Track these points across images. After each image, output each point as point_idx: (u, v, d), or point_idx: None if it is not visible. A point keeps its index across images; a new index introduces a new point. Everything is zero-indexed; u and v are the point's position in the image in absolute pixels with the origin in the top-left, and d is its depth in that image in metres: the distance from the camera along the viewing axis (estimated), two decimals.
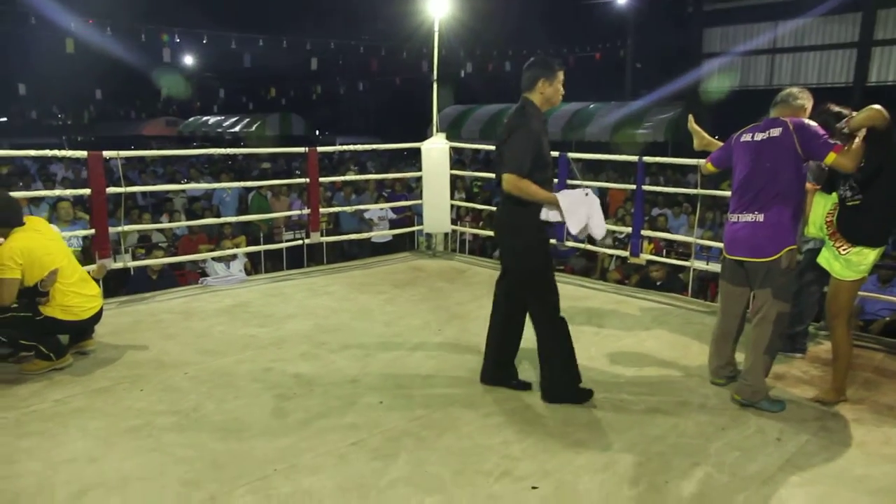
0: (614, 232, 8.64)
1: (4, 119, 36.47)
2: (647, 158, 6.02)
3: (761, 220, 3.45)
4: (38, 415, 3.37)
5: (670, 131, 17.98)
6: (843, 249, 3.59)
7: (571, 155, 6.44)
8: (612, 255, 8.23)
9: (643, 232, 6.31)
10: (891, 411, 3.54)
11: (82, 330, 4.17)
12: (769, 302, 3.47)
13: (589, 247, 7.03)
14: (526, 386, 3.73)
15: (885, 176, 3.48)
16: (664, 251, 8.36)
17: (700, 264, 6.03)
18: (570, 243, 6.84)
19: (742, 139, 3.63)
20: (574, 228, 3.47)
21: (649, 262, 6.96)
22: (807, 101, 3.66)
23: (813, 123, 3.43)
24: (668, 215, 10.02)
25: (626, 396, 3.65)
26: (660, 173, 14.54)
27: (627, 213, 9.10)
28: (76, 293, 4.03)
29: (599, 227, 3.53)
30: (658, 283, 6.90)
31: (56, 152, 5.17)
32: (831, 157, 3.32)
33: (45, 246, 3.93)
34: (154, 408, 3.47)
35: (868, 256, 3.55)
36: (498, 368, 3.78)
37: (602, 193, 11.85)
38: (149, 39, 17.81)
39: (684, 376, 3.95)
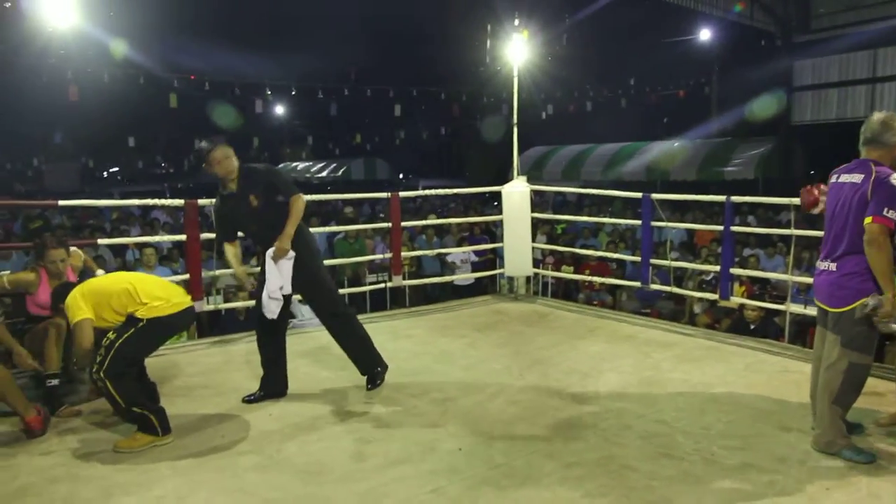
0: (701, 273, 8.32)
1: (116, 168, 39.42)
2: (735, 198, 5.80)
3: (834, 269, 3.37)
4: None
5: (761, 168, 17.30)
6: None
7: (655, 196, 6.30)
8: (700, 298, 7.90)
9: (733, 271, 6.03)
10: None
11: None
12: (838, 350, 3.34)
13: (676, 289, 6.78)
14: None
15: None
16: (758, 294, 7.96)
17: (797, 308, 5.70)
18: (654, 286, 6.64)
19: (833, 179, 3.46)
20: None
21: (741, 305, 6.65)
22: None
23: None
24: (759, 256, 9.57)
25: (717, 450, 3.45)
26: (750, 212, 13.94)
27: (713, 254, 8.73)
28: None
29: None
30: (752, 328, 6.56)
31: (157, 201, 5.52)
32: (868, 220, 3.16)
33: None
34: (239, 448, 3.56)
35: None
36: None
37: (689, 234, 11.49)
38: (243, 93, 18.95)
39: (782, 429, 3.69)
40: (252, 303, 6.79)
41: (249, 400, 4.22)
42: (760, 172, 17.32)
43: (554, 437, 3.63)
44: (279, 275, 4.05)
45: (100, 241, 6.44)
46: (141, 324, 3.59)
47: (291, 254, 4.05)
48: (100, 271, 4.51)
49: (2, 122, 25.57)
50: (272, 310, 4.11)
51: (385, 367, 4.46)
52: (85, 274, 4.35)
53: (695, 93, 22.29)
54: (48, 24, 11.26)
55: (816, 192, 3.65)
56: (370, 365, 4.41)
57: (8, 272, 4.45)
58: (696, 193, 7.38)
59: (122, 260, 8.80)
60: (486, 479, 3.17)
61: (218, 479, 3.22)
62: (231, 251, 4.33)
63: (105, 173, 39.79)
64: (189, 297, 4.07)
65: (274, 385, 4.31)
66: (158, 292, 3.74)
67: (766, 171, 17.29)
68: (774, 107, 17.70)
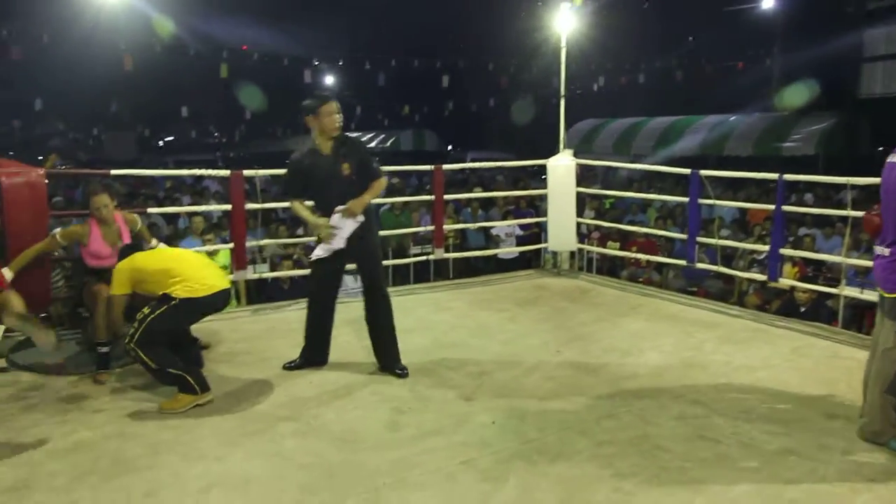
0: (752, 253, 8.08)
1: (171, 138, 40.41)
2: (788, 176, 5.58)
3: (887, 253, 3.21)
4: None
5: (822, 144, 16.56)
6: None
7: (704, 173, 6.11)
8: (748, 278, 7.67)
9: (783, 251, 5.83)
10: None
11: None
12: (893, 337, 3.20)
13: (722, 269, 6.60)
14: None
15: None
16: (811, 276, 7.68)
17: (852, 291, 5.48)
18: (701, 265, 6.48)
19: (890, 158, 3.29)
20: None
21: (792, 286, 6.43)
22: None
23: None
24: (816, 236, 9.20)
25: (756, 434, 3.37)
26: (807, 190, 13.40)
27: (767, 233, 8.41)
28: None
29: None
30: (802, 311, 6.35)
31: (205, 171, 5.65)
32: None
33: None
34: (278, 413, 3.66)
35: None
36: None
37: (742, 212, 11.14)
38: (292, 63, 19.15)
39: (827, 417, 3.59)
40: (295, 272, 6.93)
41: (290, 367, 4.32)
42: (822, 148, 16.56)
43: (588, 415, 3.61)
44: (341, 227, 4.13)
45: (149, 209, 6.66)
46: (174, 302, 3.72)
47: (360, 218, 4.14)
48: (153, 241, 4.65)
49: (64, 93, 26.39)
50: (318, 254, 4.22)
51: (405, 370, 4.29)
52: (138, 239, 4.50)
53: (755, 65, 21.41)
54: None
55: (876, 216, 3.49)
56: (393, 361, 4.29)
57: (60, 229, 4.62)
58: (753, 170, 7.11)
59: (174, 227, 9.13)
60: (518, 453, 3.18)
61: (257, 442, 3.32)
62: (301, 207, 4.38)
63: (161, 142, 40.82)
64: (226, 280, 4.14)
65: (316, 353, 4.40)
66: (196, 273, 3.84)
67: (827, 147, 16.52)
68: (805, 96, 17.00)
